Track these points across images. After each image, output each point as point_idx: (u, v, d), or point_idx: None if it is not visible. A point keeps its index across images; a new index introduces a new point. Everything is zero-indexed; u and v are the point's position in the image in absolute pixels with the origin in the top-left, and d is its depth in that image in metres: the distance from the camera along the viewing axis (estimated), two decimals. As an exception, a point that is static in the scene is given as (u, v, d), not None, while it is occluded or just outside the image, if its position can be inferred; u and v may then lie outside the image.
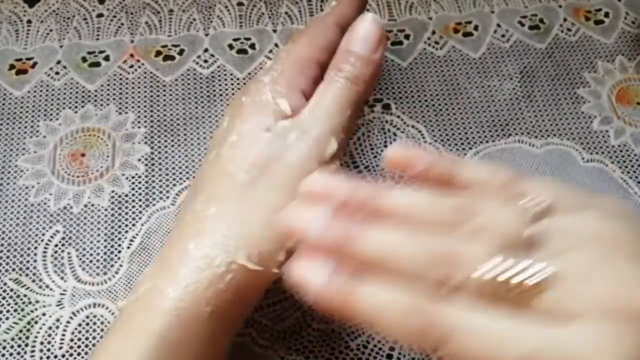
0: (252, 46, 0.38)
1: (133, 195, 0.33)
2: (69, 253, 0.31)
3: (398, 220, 0.18)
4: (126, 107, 0.35)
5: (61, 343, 0.29)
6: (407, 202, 0.19)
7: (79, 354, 0.29)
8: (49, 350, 0.29)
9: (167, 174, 0.34)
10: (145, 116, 0.35)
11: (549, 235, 0.18)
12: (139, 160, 0.34)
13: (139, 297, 0.24)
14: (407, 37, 0.38)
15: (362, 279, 0.18)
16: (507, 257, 0.17)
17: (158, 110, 0.35)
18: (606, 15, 0.39)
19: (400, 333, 0.17)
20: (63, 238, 0.32)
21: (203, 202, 0.25)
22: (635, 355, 0.16)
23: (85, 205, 0.33)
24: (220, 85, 0.36)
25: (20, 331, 0.29)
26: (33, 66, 0.37)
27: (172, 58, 0.37)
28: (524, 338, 0.16)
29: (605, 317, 0.16)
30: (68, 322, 0.30)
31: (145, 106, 0.36)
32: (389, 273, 0.17)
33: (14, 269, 0.31)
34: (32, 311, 0.30)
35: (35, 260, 0.31)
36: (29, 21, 0.38)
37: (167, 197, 0.33)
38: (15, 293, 0.30)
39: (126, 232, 0.32)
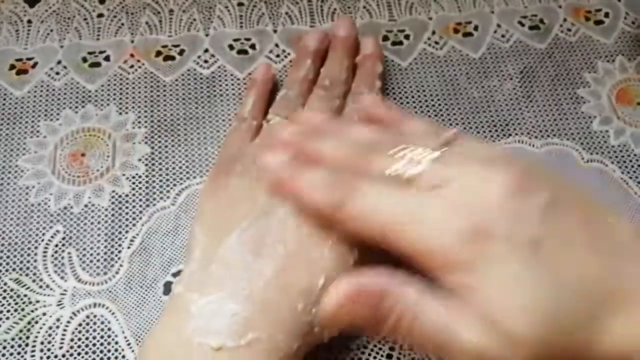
0: (253, 46, 0.38)
1: (133, 195, 0.33)
2: (69, 253, 0.31)
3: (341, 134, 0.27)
4: (126, 107, 0.35)
5: (61, 343, 0.29)
6: (355, 130, 0.27)
7: (79, 354, 0.29)
8: (49, 350, 0.29)
9: (167, 174, 0.34)
10: (145, 116, 0.35)
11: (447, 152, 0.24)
12: (140, 160, 0.34)
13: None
14: (407, 37, 0.38)
15: (301, 167, 0.25)
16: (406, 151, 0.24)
17: (158, 111, 0.36)
18: (606, 15, 0.40)
19: (318, 198, 0.24)
20: (63, 238, 0.32)
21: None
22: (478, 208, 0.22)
23: (86, 205, 0.33)
24: (220, 85, 0.36)
25: (21, 331, 0.30)
26: (33, 66, 0.37)
27: (173, 58, 0.37)
28: (402, 202, 0.22)
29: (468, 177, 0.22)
30: (68, 322, 0.30)
31: (145, 106, 0.36)
32: (320, 165, 0.25)
33: (14, 269, 0.31)
34: (32, 311, 0.30)
35: (35, 260, 0.31)
36: (30, 21, 0.38)
37: (168, 197, 0.33)
38: (15, 293, 0.30)
39: (126, 232, 0.32)
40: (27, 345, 0.29)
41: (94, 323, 0.30)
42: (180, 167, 0.34)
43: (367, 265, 0.23)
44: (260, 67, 0.35)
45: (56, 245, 0.32)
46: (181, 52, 0.37)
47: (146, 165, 0.34)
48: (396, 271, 0.23)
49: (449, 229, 0.21)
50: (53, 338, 0.29)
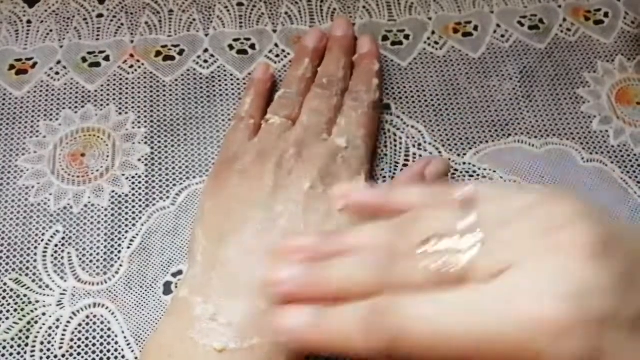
0: (252, 46, 0.38)
1: (133, 195, 0.33)
2: (69, 253, 0.31)
3: (351, 254, 0.21)
4: (126, 107, 0.35)
5: (61, 343, 0.29)
6: (354, 239, 0.22)
7: (79, 354, 0.29)
8: (49, 350, 0.29)
9: (167, 174, 0.34)
10: (145, 116, 0.35)
11: (476, 224, 0.19)
12: (139, 160, 0.34)
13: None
14: (406, 37, 0.38)
15: (328, 309, 0.20)
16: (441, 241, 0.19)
17: (158, 111, 0.35)
18: (606, 15, 0.40)
19: (361, 344, 0.19)
20: (63, 238, 0.32)
21: None
22: (575, 289, 0.17)
23: (85, 205, 0.33)
24: (220, 85, 0.36)
25: (20, 331, 0.30)
26: (33, 66, 0.37)
27: (172, 58, 0.37)
28: (466, 305, 0.18)
29: (536, 255, 0.18)
30: (68, 322, 0.30)
31: (145, 106, 0.36)
32: (349, 297, 0.20)
33: (14, 269, 0.31)
34: (32, 311, 0.30)
35: (35, 260, 0.31)
36: (29, 21, 0.38)
37: (167, 197, 0.33)
38: (15, 293, 0.30)
39: (126, 232, 0.32)
40: (27, 345, 0.29)
41: (94, 323, 0.30)
42: (180, 167, 0.34)
43: None
44: (259, 67, 0.35)
45: (56, 245, 0.32)
46: (181, 52, 0.37)
47: (146, 165, 0.34)
48: None
49: (543, 322, 0.17)
50: (53, 338, 0.29)
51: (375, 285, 0.20)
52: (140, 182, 0.33)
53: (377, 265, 0.20)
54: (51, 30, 0.38)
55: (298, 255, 0.22)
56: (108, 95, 0.36)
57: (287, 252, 0.22)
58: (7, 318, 0.30)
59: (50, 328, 0.30)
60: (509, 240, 0.19)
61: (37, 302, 0.30)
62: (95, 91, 0.36)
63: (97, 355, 0.29)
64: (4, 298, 0.30)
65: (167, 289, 0.31)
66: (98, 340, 0.29)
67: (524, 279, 0.17)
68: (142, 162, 0.34)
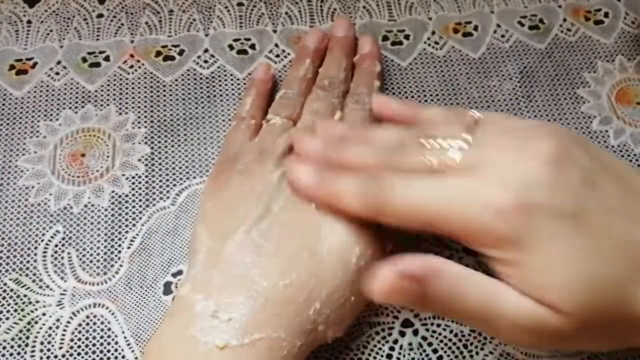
0: (252, 46, 0.38)
1: (133, 195, 0.33)
2: (69, 253, 0.31)
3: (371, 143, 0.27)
4: (126, 108, 0.35)
5: (61, 343, 0.29)
6: (379, 134, 0.27)
7: (79, 354, 0.29)
8: (49, 350, 0.29)
9: (167, 174, 0.34)
10: (145, 116, 0.35)
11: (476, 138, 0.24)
12: (139, 160, 0.34)
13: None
14: (407, 37, 0.38)
15: (334, 175, 0.26)
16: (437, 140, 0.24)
17: (158, 111, 0.35)
18: (606, 15, 0.40)
19: (357, 204, 0.25)
20: (63, 238, 0.32)
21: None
22: (520, 183, 0.22)
23: (86, 206, 0.33)
24: (220, 85, 0.36)
25: (20, 331, 0.30)
26: (33, 66, 0.37)
27: (172, 58, 0.37)
28: (441, 188, 0.23)
29: (504, 158, 0.23)
30: (68, 322, 0.30)
31: (145, 106, 0.36)
32: (354, 170, 0.25)
33: (14, 269, 0.31)
34: (32, 311, 0.30)
35: (35, 261, 0.31)
36: (29, 21, 0.38)
37: (167, 197, 0.33)
38: (15, 293, 0.30)
39: (126, 232, 0.32)
40: (27, 345, 0.29)
41: (94, 323, 0.30)
42: (180, 167, 0.34)
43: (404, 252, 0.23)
44: (260, 67, 0.35)
45: (56, 246, 0.32)
46: (181, 52, 0.37)
47: (146, 165, 0.34)
48: (435, 255, 0.23)
49: (491, 206, 0.22)
50: (53, 338, 0.29)
51: (377, 164, 0.25)
52: (140, 182, 0.33)
53: (384, 151, 0.25)
54: (51, 30, 0.38)
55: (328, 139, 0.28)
56: (108, 95, 0.36)
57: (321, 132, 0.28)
58: (7, 318, 0.30)
59: (50, 328, 0.30)
60: (489, 147, 0.23)
61: (37, 302, 0.30)
62: (96, 91, 0.36)
63: (97, 356, 0.29)
64: (4, 298, 0.30)
65: (167, 289, 0.31)
66: (98, 341, 0.29)
67: (488, 174, 0.22)
68: (142, 162, 0.34)
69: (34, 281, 0.31)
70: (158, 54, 0.37)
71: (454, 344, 0.30)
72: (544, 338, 0.22)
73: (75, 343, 0.29)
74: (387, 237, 0.28)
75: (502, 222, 0.21)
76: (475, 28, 0.39)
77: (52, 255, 0.31)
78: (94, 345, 0.29)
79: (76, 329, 0.30)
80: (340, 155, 0.27)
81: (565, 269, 0.21)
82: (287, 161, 0.28)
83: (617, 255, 0.21)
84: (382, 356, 0.29)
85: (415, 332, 0.30)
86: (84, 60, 0.37)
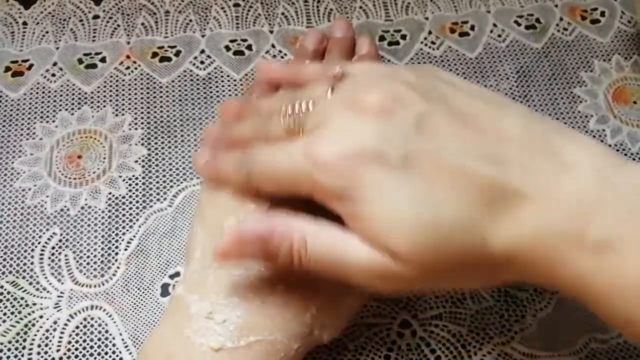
0: (249, 47, 0.38)
1: (130, 197, 0.33)
2: (66, 255, 0.31)
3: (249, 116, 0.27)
4: (123, 109, 0.35)
5: (58, 345, 0.29)
6: (263, 104, 0.27)
7: (76, 356, 0.29)
8: (46, 352, 0.29)
9: (164, 176, 0.34)
10: (142, 118, 0.35)
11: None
12: (136, 161, 0.34)
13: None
14: (403, 37, 0.38)
15: (219, 154, 0.26)
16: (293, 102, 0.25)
17: (155, 112, 0.35)
18: (602, 14, 0.40)
19: (233, 176, 0.25)
20: (60, 240, 0.32)
21: None
22: (346, 136, 0.22)
23: (82, 208, 0.33)
24: (217, 86, 0.36)
25: (18, 334, 0.29)
26: (29, 68, 0.37)
27: (169, 59, 0.37)
28: (287, 149, 0.23)
29: (341, 116, 0.23)
30: (65, 324, 0.30)
31: (142, 108, 0.36)
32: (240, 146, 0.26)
33: (11, 272, 0.31)
34: (29, 314, 0.30)
35: (32, 263, 0.31)
36: (25, 23, 0.38)
37: (165, 199, 0.33)
38: (12, 296, 0.30)
39: (123, 234, 0.32)
40: (24, 348, 0.29)
41: (91, 325, 0.30)
42: (177, 169, 0.34)
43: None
44: (262, 66, 0.35)
45: (53, 248, 0.32)
46: (177, 53, 0.37)
47: (143, 166, 0.34)
48: (291, 211, 0.24)
49: (326, 161, 0.22)
50: (50, 341, 0.29)
51: (252, 138, 0.26)
52: (137, 184, 0.33)
53: (258, 122, 0.26)
54: (47, 32, 0.38)
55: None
56: (104, 96, 0.36)
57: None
58: (4, 321, 0.30)
59: (47, 330, 0.30)
60: (336, 103, 0.24)
61: (35, 304, 0.30)
62: (92, 93, 0.36)
63: (95, 358, 0.29)
64: (0, 301, 0.30)
65: (165, 290, 0.31)
66: (95, 343, 0.29)
67: (325, 132, 0.23)
68: (139, 164, 0.34)
69: (31, 283, 0.31)
70: (154, 55, 0.37)
71: (452, 344, 0.30)
72: (391, 282, 0.22)
73: (73, 345, 0.29)
74: None
75: (329, 177, 0.22)
76: (472, 28, 0.39)
77: (49, 258, 0.31)
78: (91, 347, 0.29)
79: (73, 331, 0.30)
80: (228, 134, 0.27)
81: (397, 215, 0.21)
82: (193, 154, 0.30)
83: (458, 195, 0.21)
84: (380, 357, 0.29)
85: (413, 333, 0.30)
86: (80, 61, 0.37)
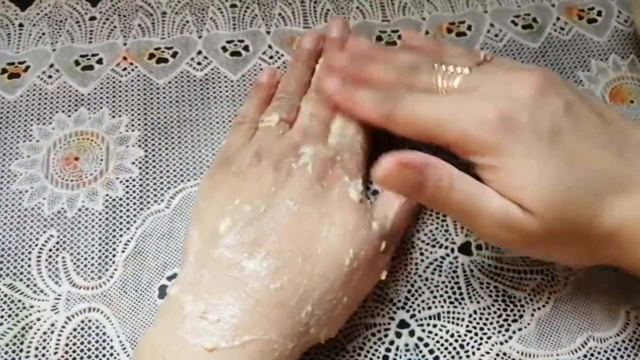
0: (246, 48, 0.38)
1: (127, 198, 0.33)
2: (63, 257, 0.31)
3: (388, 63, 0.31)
4: (120, 110, 0.35)
5: (56, 348, 0.29)
6: (399, 56, 0.31)
7: (74, 358, 0.29)
8: (43, 355, 0.29)
9: (161, 177, 0.34)
10: (139, 119, 0.35)
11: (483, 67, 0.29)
12: (133, 163, 0.34)
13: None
14: (400, 37, 0.38)
15: (356, 87, 0.30)
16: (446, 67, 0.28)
17: (152, 113, 0.35)
18: (599, 14, 0.40)
19: (371, 112, 0.29)
20: (57, 242, 0.32)
21: None
22: (505, 103, 0.26)
23: (80, 209, 0.32)
24: (214, 87, 0.36)
25: (15, 336, 0.29)
26: (25, 70, 0.37)
27: (166, 60, 0.37)
28: (440, 103, 0.27)
29: (495, 83, 0.27)
30: (63, 327, 0.30)
31: (139, 109, 0.35)
32: (372, 84, 0.30)
33: (7, 274, 0.31)
34: (26, 316, 0.30)
35: (29, 265, 0.31)
36: (21, 24, 0.38)
37: (162, 200, 0.33)
38: (9, 298, 0.30)
39: (121, 235, 0.32)
40: (21, 350, 0.29)
41: (89, 328, 0.30)
42: (175, 170, 0.34)
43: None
44: (266, 70, 0.35)
45: (50, 250, 0.31)
46: (174, 55, 0.37)
47: (140, 168, 0.34)
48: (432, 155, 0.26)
49: (481, 119, 0.25)
50: (48, 343, 0.29)
51: (393, 82, 0.29)
52: (134, 186, 0.33)
53: (400, 70, 0.30)
54: (43, 34, 0.38)
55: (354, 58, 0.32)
56: (101, 98, 0.36)
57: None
58: (1, 324, 0.30)
59: (45, 333, 0.29)
60: (488, 74, 0.27)
61: (32, 307, 0.30)
62: (89, 94, 0.36)
63: (93, 360, 0.29)
64: (-2, 303, 0.30)
65: (162, 292, 0.30)
66: (93, 345, 0.29)
67: (481, 94, 0.26)
68: (136, 165, 0.34)
69: (28, 286, 0.31)
70: (151, 56, 0.37)
71: (450, 344, 0.30)
72: (515, 235, 0.25)
73: (70, 348, 0.29)
74: (381, 236, 0.28)
75: (486, 132, 0.25)
76: (469, 28, 0.39)
77: (47, 260, 0.31)
78: (89, 349, 0.29)
79: (71, 333, 0.29)
80: (363, 70, 0.31)
81: (538, 177, 0.25)
82: (320, 73, 0.34)
83: (586, 174, 0.25)
84: (378, 357, 0.29)
85: (412, 333, 0.30)
86: (77, 63, 0.37)
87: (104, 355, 0.29)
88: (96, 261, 0.31)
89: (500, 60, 0.30)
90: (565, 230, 0.25)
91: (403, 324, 0.30)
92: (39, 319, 0.30)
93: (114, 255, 0.31)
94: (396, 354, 0.29)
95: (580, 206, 0.25)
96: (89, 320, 0.30)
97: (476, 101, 0.26)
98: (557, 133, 0.25)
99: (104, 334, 0.29)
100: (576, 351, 0.30)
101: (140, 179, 0.33)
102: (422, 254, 0.32)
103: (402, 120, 0.28)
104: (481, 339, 0.30)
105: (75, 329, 0.30)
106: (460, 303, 0.30)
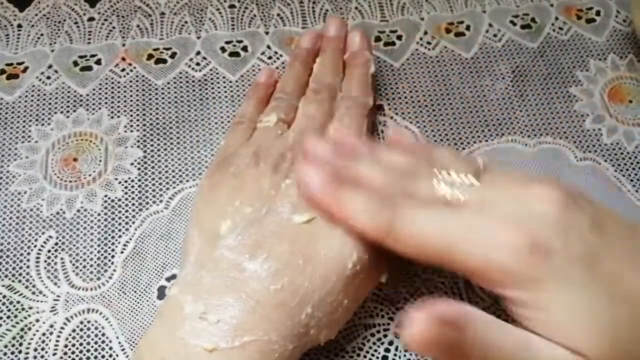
0: (245, 48, 0.38)
1: (126, 199, 0.33)
2: (62, 258, 0.31)
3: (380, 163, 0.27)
4: (118, 111, 0.35)
5: (55, 349, 0.29)
6: (392, 156, 0.27)
7: (73, 360, 0.29)
8: (42, 357, 0.29)
9: (160, 178, 0.34)
10: (137, 120, 0.35)
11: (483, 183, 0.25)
12: (132, 164, 0.34)
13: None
14: (399, 37, 0.38)
15: (345, 188, 0.25)
16: (448, 177, 0.25)
17: (150, 114, 0.35)
18: (597, 13, 0.40)
19: (366, 222, 0.24)
20: (56, 243, 0.32)
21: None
22: (532, 225, 0.22)
23: (78, 210, 0.32)
24: (212, 88, 0.36)
25: (14, 338, 0.29)
26: (24, 71, 0.37)
27: (164, 61, 0.37)
28: (447, 222, 0.23)
29: (509, 200, 0.23)
30: (62, 328, 0.30)
31: (137, 110, 0.35)
32: (363, 188, 0.25)
33: (6, 276, 0.31)
34: (25, 317, 0.30)
35: (28, 267, 0.31)
36: (20, 25, 0.38)
37: (161, 201, 0.33)
38: (8, 300, 0.30)
39: (119, 236, 0.32)
40: (20, 352, 0.29)
41: (88, 329, 0.30)
42: (173, 171, 0.34)
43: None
44: (263, 71, 0.35)
45: (49, 251, 0.31)
46: (173, 55, 0.37)
47: (139, 169, 0.34)
48: (465, 303, 0.23)
49: (507, 243, 0.22)
50: (47, 344, 0.29)
51: (387, 186, 0.25)
52: (133, 186, 0.33)
53: (395, 174, 0.26)
54: (42, 34, 0.38)
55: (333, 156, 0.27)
56: (100, 99, 0.36)
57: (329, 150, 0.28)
58: (0, 325, 0.30)
59: (44, 334, 0.29)
60: (498, 189, 0.24)
61: (31, 308, 0.30)
62: (87, 95, 0.36)
63: (92, 361, 0.29)
64: (-3, 305, 0.30)
65: (161, 293, 0.30)
66: (92, 346, 0.29)
67: (499, 213, 0.23)
68: (135, 166, 0.34)
69: (27, 287, 0.30)
70: (150, 57, 0.37)
71: (450, 344, 0.30)
72: None
73: (69, 349, 0.29)
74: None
75: (515, 260, 0.22)
76: (468, 28, 0.39)
77: (45, 261, 0.31)
78: (88, 351, 0.29)
79: (70, 334, 0.29)
80: (350, 168, 0.26)
81: (585, 311, 0.21)
82: (297, 163, 0.28)
83: (629, 300, 0.22)
84: (377, 358, 0.29)
85: (411, 333, 0.30)
86: (76, 64, 0.37)
87: (102, 357, 0.29)
88: (95, 262, 0.31)
89: (502, 170, 0.26)
90: None
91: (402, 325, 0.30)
92: (37, 320, 0.30)
93: (112, 256, 0.31)
94: (395, 354, 0.29)
95: (630, 341, 0.22)
96: (88, 322, 0.30)
97: (495, 221, 0.22)
98: (592, 259, 0.22)
99: (103, 335, 0.29)
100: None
101: (139, 180, 0.33)
102: (421, 254, 0.32)
103: (404, 236, 0.24)
104: (480, 339, 0.30)
105: (74, 330, 0.30)
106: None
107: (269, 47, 0.38)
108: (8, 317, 0.30)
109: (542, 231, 0.22)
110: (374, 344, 0.29)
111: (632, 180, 0.34)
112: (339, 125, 0.31)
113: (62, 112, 0.35)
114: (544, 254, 0.21)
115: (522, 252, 0.21)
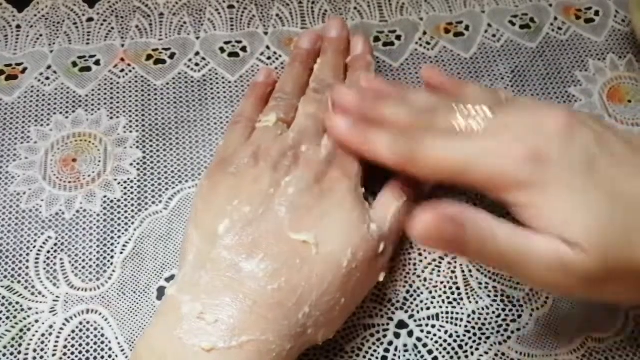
0: (244, 49, 0.38)
1: (125, 200, 0.33)
2: (61, 259, 0.31)
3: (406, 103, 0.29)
4: (117, 112, 0.35)
5: (54, 350, 0.29)
6: (414, 96, 0.30)
7: (72, 360, 0.29)
8: (42, 357, 0.29)
9: (159, 178, 0.34)
10: (136, 120, 0.35)
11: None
12: (131, 164, 0.34)
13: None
14: (398, 37, 0.38)
15: (371, 128, 0.28)
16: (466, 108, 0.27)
17: (150, 115, 0.35)
18: (596, 13, 0.40)
19: (388, 155, 0.27)
20: (55, 244, 0.32)
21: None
22: (534, 138, 0.25)
23: (78, 211, 0.32)
24: (211, 88, 0.36)
25: (13, 339, 0.29)
26: (23, 71, 0.37)
27: (163, 62, 0.37)
28: (463, 146, 0.26)
29: (519, 126, 0.26)
30: (61, 328, 0.30)
31: (136, 110, 0.35)
32: (388, 125, 0.28)
33: (6, 276, 0.31)
34: (24, 318, 0.30)
35: (27, 267, 0.31)
36: (18, 26, 0.38)
37: (160, 202, 0.33)
38: (7, 300, 0.30)
39: (119, 237, 0.32)
40: (19, 353, 0.29)
41: (87, 329, 0.30)
42: (173, 171, 0.34)
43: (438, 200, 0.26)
44: (261, 70, 0.35)
45: (48, 252, 0.31)
46: (172, 56, 0.37)
47: (138, 169, 0.34)
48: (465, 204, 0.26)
49: (512, 155, 0.25)
50: (46, 345, 0.29)
51: (409, 123, 0.28)
52: (132, 187, 0.33)
53: (416, 111, 0.28)
54: (41, 35, 0.38)
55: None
56: (99, 99, 0.36)
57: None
58: (0, 326, 0.30)
59: (43, 335, 0.29)
60: (511, 116, 0.26)
61: (30, 309, 0.30)
62: (86, 96, 0.36)
63: (91, 362, 0.29)
64: (-4, 306, 0.30)
65: (161, 294, 0.30)
66: (92, 347, 0.29)
67: (507, 135, 0.25)
68: (134, 167, 0.34)
69: (26, 288, 0.30)
70: (149, 57, 0.37)
71: (449, 344, 0.30)
72: (571, 277, 0.24)
73: (69, 350, 0.29)
74: (380, 238, 0.28)
75: (518, 168, 0.24)
76: (467, 28, 0.39)
77: (45, 262, 0.31)
78: (87, 351, 0.29)
79: (69, 335, 0.29)
80: (375, 110, 0.29)
81: (581, 209, 0.23)
82: (326, 113, 0.31)
83: (626, 206, 0.24)
84: (377, 358, 0.29)
85: (410, 334, 0.30)
86: (75, 64, 0.37)
87: (102, 357, 0.29)
88: (94, 263, 0.31)
89: (521, 100, 0.29)
90: (619, 265, 0.23)
91: (402, 325, 0.30)
92: (37, 321, 0.30)
93: (112, 257, 0.31)
94: (395, 355, 0.29)
95: (628, 239, 0.23)
96: (87, 322, 0.30)
97: (505, 142, 0.25)
98: (592, 163, 0.24)
99: (102, 335, 0.29)
100: (575, 351, 0.30)
101: (139, 180, 0.33)
102: (420, 254, 0.32)
103: (424, 163, 0.26)
104: (480, 339, 0.30)
105: (73, 331, 0.30)
106: (458, 303, 0.30)
107: (268, 47, 0.38)
108: (7, 317, 0.30)
109: (544, 143, 0.24)
110: (374, 344, 0.29)
111: (631, 180, 0.34)
112: None
113: (61, 113, 0.35)
114: (543, 161, 0.24)
115: (523, 161, 0.24)
